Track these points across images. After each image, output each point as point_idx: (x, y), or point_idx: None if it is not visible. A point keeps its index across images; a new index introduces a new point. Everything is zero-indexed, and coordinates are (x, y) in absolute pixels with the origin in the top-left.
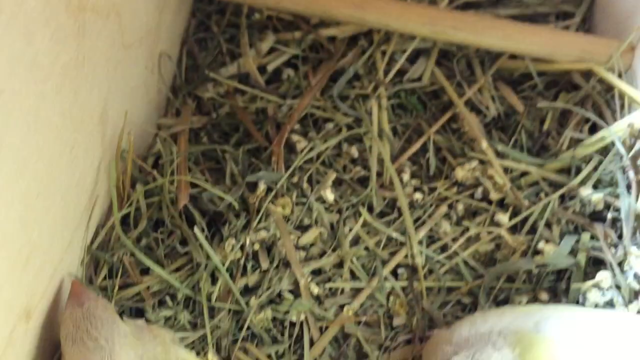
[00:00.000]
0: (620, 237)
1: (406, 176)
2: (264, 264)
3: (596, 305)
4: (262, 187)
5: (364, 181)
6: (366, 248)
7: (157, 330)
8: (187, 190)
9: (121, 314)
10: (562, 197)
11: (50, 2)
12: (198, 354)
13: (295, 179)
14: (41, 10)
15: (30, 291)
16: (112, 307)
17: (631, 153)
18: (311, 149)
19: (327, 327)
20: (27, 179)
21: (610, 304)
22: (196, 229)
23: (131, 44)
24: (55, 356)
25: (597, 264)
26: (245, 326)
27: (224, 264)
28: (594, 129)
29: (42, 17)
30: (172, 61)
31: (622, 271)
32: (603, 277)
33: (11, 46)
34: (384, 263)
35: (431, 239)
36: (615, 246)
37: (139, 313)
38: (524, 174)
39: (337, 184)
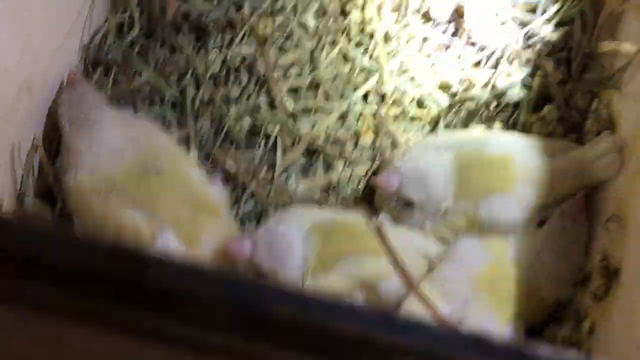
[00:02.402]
0: (569, 75)
1: (386, 10)
2: (244, 78)
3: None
4: (247, 6)
5: (345, 12)
6: (340, 73)
7: (144, 120)
8: (174, 5)
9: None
10: (527, 36)
11: None
12: None
13: (279, 4)
14: None
15: (31, 69)
16: (103, 95)
17: None
18: None
19: (299, 141)
20: None
21: (551, 134)
22: (183, 42)
23: None
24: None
25: (545, 99)
26: (225, 131)
27: (207, 74)
28: None
29: None
30: None
31: (567, 106)
32: (548, 111)
33: None
34: (356, 88)
35: (401, 70)
36: (565, 83)
37: (130, 109)
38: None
39: (321, 13)
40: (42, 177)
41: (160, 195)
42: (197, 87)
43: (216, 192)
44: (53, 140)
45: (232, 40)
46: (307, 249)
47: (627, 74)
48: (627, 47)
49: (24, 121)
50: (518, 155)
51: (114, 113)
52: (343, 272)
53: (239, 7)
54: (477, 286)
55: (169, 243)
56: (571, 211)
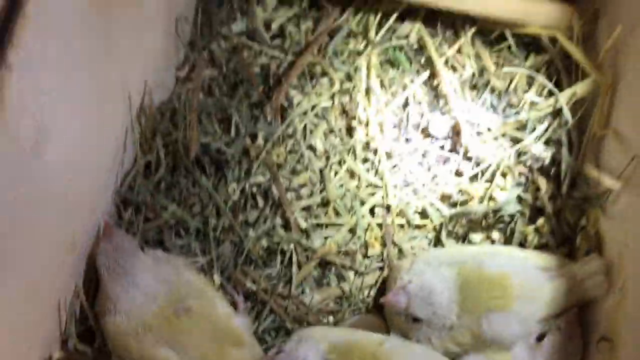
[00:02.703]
0: (559, 190)
1: (387, 127)
2: (261, 203)
3: (534, 247)
4: (260, 138)
5: (350, 131)
6: (348, 190)
7: (172, 258)
8: (196, 143)
9: (142, 248)
10: (518, 152)
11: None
12: (205, 275)
13: (290, 130)
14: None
15: (74, 228)
16: (135, 241)
17: (574, 119)
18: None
19: (312, 255)
20: (67, 143)
21: (545, 245)
22: (203, 179)
23: (150, 16)
24: (91, 278)
25: (539, 211)
26: (245, 253)
27: (227, 203)
28: (557, 88)
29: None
30: (188, 22)
31: (558, 220)
32: (540, 223)
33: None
34: (363, 203)
35: (405, 183)
36: (555, 197)
37: (159, 242)
38: (489, 128)
39: (329, 131)
40: (82, 319)
41: (189, 334)
42: (218, 215)
43: (240, 323)
44: (91, 283)
45: (248, 169)
46: None
47: (610, 197)
48: (608, 181)
49: (70, 274)
50: (514, 273)
51: (146, 259)
52: None
53: (254, 137)
54: None
55: None
56: (567, 327)
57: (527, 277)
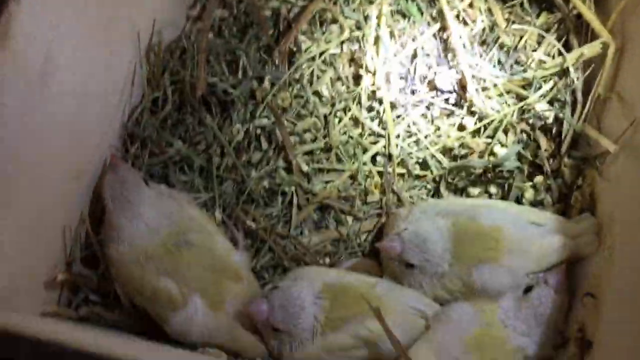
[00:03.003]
0: (559, 149)
1: (394, 77)
2: (265, 145)
3: (530, 202)
4: (267, 82)
5: (357, 79)
6: (351, 137)
7: (175, 193)
8: (204, 83)
9: (146, 181)
10: (522, 109)
11: None
12: (207, 211)
13: (297, 75)
14: None
15: (80, 158)
16: (140, 175)
17: (579, 80)
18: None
19: (313, 198)
20: (75, 75)
21: (541, 202)
22: (208, 118)
23: None
24: (96, 207)
25: (538, 168)
26: (246, 192)
27: (231, 143)
28: (566, 48)
29: None
30: None
31: (555, 178)
32: (538, 180)
33: None
34: (365, 150)
35: (407, 133)
36: (554, 156)
37: (164, 177)
38: (495, 84)
39: (336, 79)
40: (87, 246)
41: (189, 266)
42: (222, 154)
43: (238, 258)
44: (96, 212)
45: (253, 112)
46: (318, 310)
47: (608, 158)
48: (606, 142)
49: (76, 202)
50: (508, 227)
51: (149, 192)
52: (349, 333)
53: (261, 80)
54: (466, 347)
55: (197, 306)
56: (554, 282)
57: (520, 232)
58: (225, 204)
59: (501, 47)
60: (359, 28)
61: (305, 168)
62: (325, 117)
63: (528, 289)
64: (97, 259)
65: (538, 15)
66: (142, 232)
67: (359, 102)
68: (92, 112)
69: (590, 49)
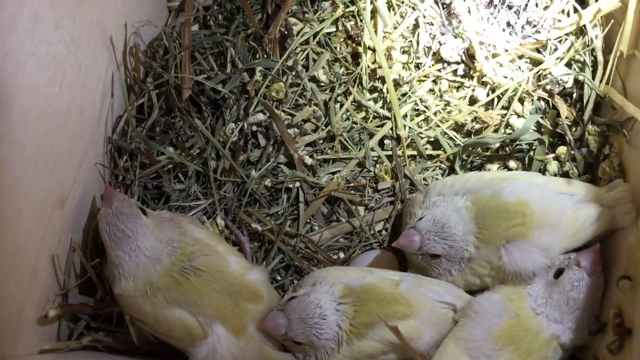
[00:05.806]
0: (582, 115)
1: (396, 53)
2: (262, 142)
3: (555, 175)
4: (258, 74)
5: (356, 58)
6: (355, 122)
7: (178, 216)
8: (189, 84)
9: (144, 210)
10: (537, 75)
11: None
12: (209, 218)
13: (290, 62)
14: None
15: (60, 184)
16: (135, 204)
17: (598, 38)
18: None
19: (320, 192)
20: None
21: (566, 174)
22: (198, 121)
23: None
24: (87, 232)
25: (560, 137)
26: (247, 193)
27: (225, 144)
28: (581, 4)
29: None
30: None
31: (579, 147)
32: (562, 151)
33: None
34: (371, 135)
35: (415, 112)
36: (577, 123)
37: (158, 188)
38: (506, 50)
39: (333, 60)
40: (82, 273)
41: (201, 293)
42: (218, 157)
43: (255, 277)
44: (90, 242)
45: (247, 108)
46: (340, 317)
47: (636, 125)
48: (632, 109)
49: (61, 230)
50: (535, 200)
51: (148, 221)
52: (376, 338)
53: (252, 72)
54: (499, 342)
55: (219, 335)
56: (587, 264)
57: (549, 204)
58: (227, 209)
59: (510, 7)
60: (352, 2)
61: (309, 161)
62: (325, 103)
63: (559, 273)
64: (93, 285)
65: None
66: (142, 264)
67: (360, 84)
68: (66, 133)
69: (608, 3)
